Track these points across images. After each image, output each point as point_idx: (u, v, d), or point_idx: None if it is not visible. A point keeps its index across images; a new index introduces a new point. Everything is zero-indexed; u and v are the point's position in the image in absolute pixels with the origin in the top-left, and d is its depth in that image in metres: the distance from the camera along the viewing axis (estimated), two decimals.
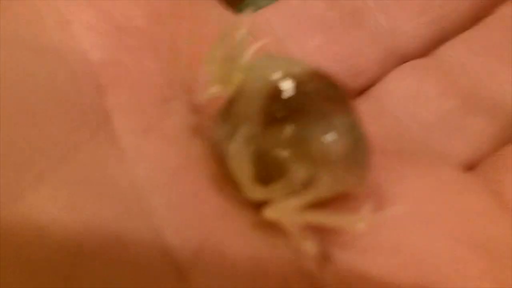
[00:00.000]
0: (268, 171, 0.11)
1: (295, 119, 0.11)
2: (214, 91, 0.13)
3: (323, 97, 0.12)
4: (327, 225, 0.11)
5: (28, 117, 0.11)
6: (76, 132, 0.11)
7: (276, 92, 0.12)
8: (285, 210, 0.11)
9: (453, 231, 0.12)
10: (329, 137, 0.11)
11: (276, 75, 0.12)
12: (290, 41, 0.17)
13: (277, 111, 0.11)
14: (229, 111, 0.12)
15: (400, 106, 0.17)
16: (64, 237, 0.10)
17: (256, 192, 0.11)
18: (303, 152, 0.11)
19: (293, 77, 0.12)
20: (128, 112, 0.12)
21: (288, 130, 0.11)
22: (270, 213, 0.11)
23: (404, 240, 0.12)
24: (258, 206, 0.11)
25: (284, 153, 0.11)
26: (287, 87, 0.12)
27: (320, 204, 0.11)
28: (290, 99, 0.12)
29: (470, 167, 0.16)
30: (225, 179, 0.12)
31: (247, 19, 0.13)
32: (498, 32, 0.19)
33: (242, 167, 0.11)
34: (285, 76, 0.12)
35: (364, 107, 0.17)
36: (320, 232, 0.11)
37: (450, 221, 0.12)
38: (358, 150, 0.12)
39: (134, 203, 0.11)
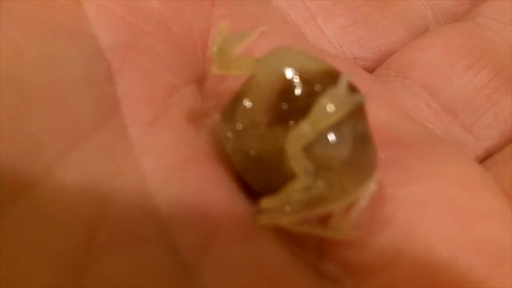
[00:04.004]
0: (269, 171, 0.11)
1: (301, 120, 0.11)
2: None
3: None
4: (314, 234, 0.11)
5: (37, 101, 0.11)
6: (85, 119, 0.11)
7: (286, 90, 0.11)
8: (277, 217, 0.11)
9: (456, 236, 0.12)
10: (332, 142, 0.11)
11: (289, 72, 0.11)
12: (312, 23, 0.17)
13: (285, 110, 0.11)
14: (235, 108, 0.12)
15: (421, 84, 0.16)
16: (76, 229, 0.10)
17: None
18: (310, 155, 0.11)
19: (307, 75, 0.11)
20: (137, 100, 0.12)
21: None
22: (263, 220, 0.11)
23: (406, 248, 0.11)
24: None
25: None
26: (299, 85, 0.11)
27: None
28: (299, 98, 0.11)
29: (490, 154, 0.15)
30: (229, 174, 0.12)
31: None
32: None
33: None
34: (298, 73, 0.11)
35: (384, 81, 0.16)
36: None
37: (453, 225, 0.12)
38: (361, 157, 0.11)
39: (142, 197, 0.11)
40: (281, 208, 0.11)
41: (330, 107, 0.11)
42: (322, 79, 0.11)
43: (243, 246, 0.11)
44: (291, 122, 0.11)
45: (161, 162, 0.11)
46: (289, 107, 0.11)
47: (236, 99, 0.12)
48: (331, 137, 0.11)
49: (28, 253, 0.09)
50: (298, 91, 0.11)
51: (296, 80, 0.11)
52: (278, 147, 0.11)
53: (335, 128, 0.11)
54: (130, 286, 0.10)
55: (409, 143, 0.13)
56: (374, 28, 0.17)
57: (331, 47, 0.17)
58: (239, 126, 0.11)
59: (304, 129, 0.11)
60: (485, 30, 0.17)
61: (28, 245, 0.09)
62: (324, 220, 0.12)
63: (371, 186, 0.12)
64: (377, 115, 0.14)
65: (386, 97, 0.15)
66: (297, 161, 0.11)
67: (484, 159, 0.15)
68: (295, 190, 0.11)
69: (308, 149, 0.11)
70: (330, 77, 0.11)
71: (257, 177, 0.12)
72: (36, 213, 0.10)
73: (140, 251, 0.10)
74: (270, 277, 0.11)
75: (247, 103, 0.11)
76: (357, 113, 0.12)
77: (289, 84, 0.11)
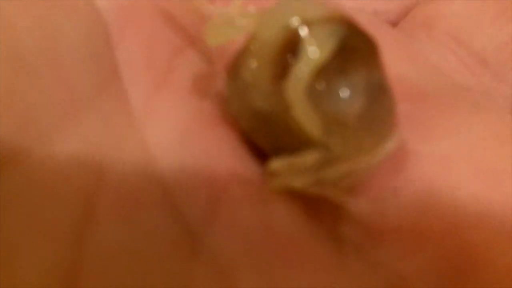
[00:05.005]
0: (278, 128, 0.11)
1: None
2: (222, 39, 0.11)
3: (345, 49, 0.10)
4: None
5: (36, 69, 0.10)
6: (85, 86, 0.11)
7: (291, 40, 0.10)
8: (289, 181, 0.10)
9: (486, 193, 0.11)
10: (345, 96, 0.10)
11: (292, 21, 0.10)
12: None
13: (291, 62, 0.10)
14: (239, 65, 0.11)
15: (448, 35, 0.15)
16: (75, 194, 0.10)
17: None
18: (320, 111, 0.10)
19: (312, 23, 0.10)
20: (138, 65, 0.11)
21: None
22: (274, 184, 0.10)
23: (431, 206, 0.11)
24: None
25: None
26: (305, 35, 0.10)
27: None
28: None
29: None
30: (237, 136, 0.11)
31: None
32: None
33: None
34: (303, 22, 0.10)
35: (408, 34, 0.15)
36: None
37: (483, 182, 0.11)
38: (377, 110, 0.10)
39: (144, 164, 0.10)
40: (293, 170, 0.10)
41: (313, 51, 0.10)
42: (334, 26, 0.10)
43: (252, 210, 0.10)
44: None
45: (165, 126, 0.11)
46: (295, 58, 0.10)
47: (241, 56, 0.11)
48: (342, 90, 0.10)
49: (23, 221, 0.09)
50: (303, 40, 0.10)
51: (302, 29, 0.10)
52: (285, 102, 0.10)
53: (346, 79, 0.10)
54: (133, 253, 0.09)
55: (433, 95, 0.12)
56: None
57: (351, 2, 0.16)
58: (244, 84, 0.11)
59: (299, 69, 0.10)
60: None
61: (23, 214, 0.09)
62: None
63: (391, 143, 0.11)
64: (399, 68, 0.13)
65: (408, 49, 0.14)
66: (303, 111, 0.10)
67: None
68: (309, 151, 0.10)
69: (318, 105, 0.10)
70: (342, 23, 0.11)
71: (265, 136, 0.11)
72: (31, 181, 0.09)
73: (142, 218, 0.10)
74: (282, 241, 0.10)
75: (251, 58, 0.11)
76: (370, 63, 0.11)
77: (294, 34, 0.10)
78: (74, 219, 0.09)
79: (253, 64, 0.11)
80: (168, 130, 0.11)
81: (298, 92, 0.10)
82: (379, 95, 0.10)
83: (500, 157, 0.11)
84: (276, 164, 0.11)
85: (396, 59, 0.13)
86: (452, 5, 0.15)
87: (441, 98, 0.12)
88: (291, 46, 0.10)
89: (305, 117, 0.10)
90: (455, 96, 0.13)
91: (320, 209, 0.11)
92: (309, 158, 0.10)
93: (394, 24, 0.16)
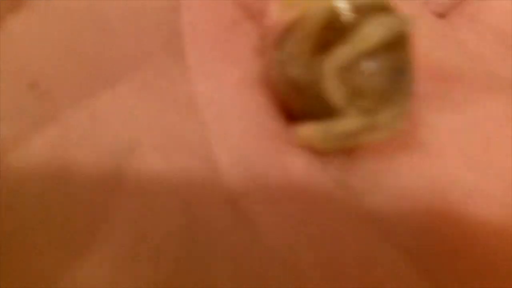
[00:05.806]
0: (308, 98, 0.12)
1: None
2: (279, 15, 0.13)
3: None
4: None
5: (105, 26, 0.12)
6: (148, 42, 0.13)
7: (334, 19, 0.12)
8: (314, 143, 0.12)
9: (482, 163, 0.12)
10: (368, 72, 0.12)
11: (340, 4, 0.12)
12: None
13: (331, 39, 0.12)
14: (285, 37, 0.12)
15: (492, 29, 0.15)
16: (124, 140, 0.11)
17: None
18: (346, 82, 0.12)
19: (358, 6, 0.12)
20: (198, 30, 0.13)
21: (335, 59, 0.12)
22: (300, 143, 0.12)
23: (432, 170, 0.12)
24: None
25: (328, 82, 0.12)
26: (348, 15, 0.12)
27: None
28: (347, 28, 0.12)
29: None
30: (279, 103, 0.13)
31: None
32: None
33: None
34: (349, 4, 0.12)
35: (455, 27, 0.16)
36: None
37: (482, 154, 0.12)
38: (394, 89, 0.12)
39: (190, 116, 0.12)
40: (319, 134, 0.12)
41: (375, 30, 0.11)
42: (374, 12, 0.12)
43: (275, 160, 0.12)
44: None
45: (215, 87, 0.13)
46: (335, 36, 0.12)
47: (288, 29, 0.13)
48: (368, 67, 0.12)
49: None
50: (346, 21, 0.12)
51: (346, 10, 0.12)
52: (318, 75, 0.12)
53: (373, 58, 0.12)
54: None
55: (459, 77, 0.13)
56: None
57: None
58: (287, 55, 0.12)
59: (345, 49, 0.11)
60: None
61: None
62: None
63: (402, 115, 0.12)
64: (433, 53, 0.14)
65: (449, 38, 0.15)
66: (330, 80, 0.12)
67: None
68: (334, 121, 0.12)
69: (344, 77, 0.12)
70: (384, 11, 0.12)
71: (296, 101, 0.13)
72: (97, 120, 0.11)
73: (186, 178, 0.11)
74: (297, 187, 0.12)
75: (295, 32, 0.12)
76: (399, 46, 0.12)
77: (338, 14, 0.12)
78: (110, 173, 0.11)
79: (296, 37, 0.12)
80: (217, 90, 0.13)
81: (334, 69, 0.12)
82: (399, 75, 0.12)
83: (505, 134, 0.12)
84: (305, 128, 0.12)
85: (434, 47, 0.14)
86: (500, 1, 0.16)
87: (465, 80, 0.13)
88: (335, 24, 0.12)
89: (334, 90, 0.12)
90: (480, 78, 0.13)
91: (332, 160, 0.12)
92: (334, 125, 0.12)
93: (443, 16, 0.17)
